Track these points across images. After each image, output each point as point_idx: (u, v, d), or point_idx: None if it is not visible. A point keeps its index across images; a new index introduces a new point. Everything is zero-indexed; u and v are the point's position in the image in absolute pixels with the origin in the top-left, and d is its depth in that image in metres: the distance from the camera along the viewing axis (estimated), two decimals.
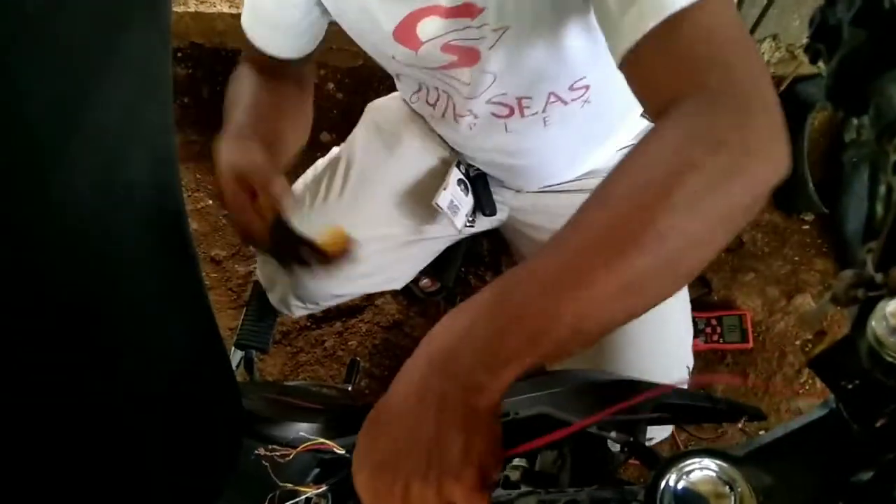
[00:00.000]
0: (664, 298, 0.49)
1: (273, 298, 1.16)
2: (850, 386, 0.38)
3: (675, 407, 0.65)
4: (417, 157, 1.10)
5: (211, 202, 1.81)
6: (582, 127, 0.95)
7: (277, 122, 0.89)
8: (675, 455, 0.41)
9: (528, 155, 1.00)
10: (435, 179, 1.08)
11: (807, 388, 1.45)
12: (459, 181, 1.07)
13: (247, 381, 1.16)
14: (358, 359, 1.42)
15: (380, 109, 1.16)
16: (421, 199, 1.09)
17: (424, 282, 1.53)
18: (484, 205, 1.10)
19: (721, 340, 1.48)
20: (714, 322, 1.49)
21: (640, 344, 0.97)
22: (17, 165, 0.37)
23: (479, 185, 1.09)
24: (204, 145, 1.84)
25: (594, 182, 1.04)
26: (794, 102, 1.51)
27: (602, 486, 0.54)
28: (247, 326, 1.15)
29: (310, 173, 1.16)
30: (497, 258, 1.66)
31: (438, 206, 1.03)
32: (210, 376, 0.65)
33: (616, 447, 0.60)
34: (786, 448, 0.41)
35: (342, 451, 0.67)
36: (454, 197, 1.05)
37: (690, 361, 1.02)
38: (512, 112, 0.90)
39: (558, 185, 1.09)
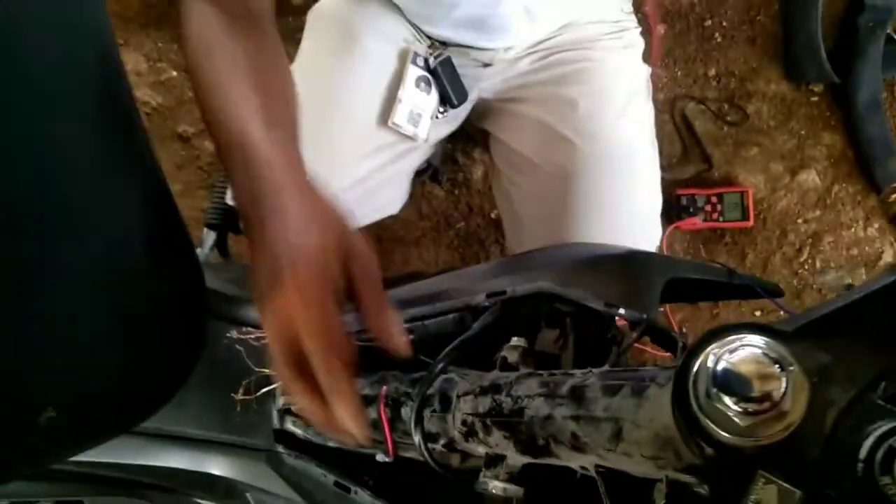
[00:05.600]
0: None
1: None
2: None
3: (690, 282, 0.59)
4: (376, 55, 0.97)
5: (175, 74, 1.66)
6: None
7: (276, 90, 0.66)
8: (712, 330, 0.34)
9: None
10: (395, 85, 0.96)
11: (806, 267, 1.41)
12: (419, 79, 0.96)
13: (220, 263, 1.09)
14: None
15: (322, 10, 1.01)
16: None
17: None
18: (452, 93, 0.98)
19: (721, 219, 1.43)
20: (714, 199, 1.43)
21: (606, 217, 0.92)
22: None
23: (445, 71, 0.98)
24: (164, 10, 1.68)
25: (570, 37, 1.00)
26: None
27: (614, 369, 0.48)
28: (216, 205, 1.06)
29: None
30: (485, 132, 1.56)
31: (395, 125, 0.94)
32: (167, 251, 0.58)
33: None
34: (845, 322, 0.34)
35: None
36: (413, 105, 0.96)
37: (658, 235, 0.96)
38: None
39: (530, 49, 1.01)
